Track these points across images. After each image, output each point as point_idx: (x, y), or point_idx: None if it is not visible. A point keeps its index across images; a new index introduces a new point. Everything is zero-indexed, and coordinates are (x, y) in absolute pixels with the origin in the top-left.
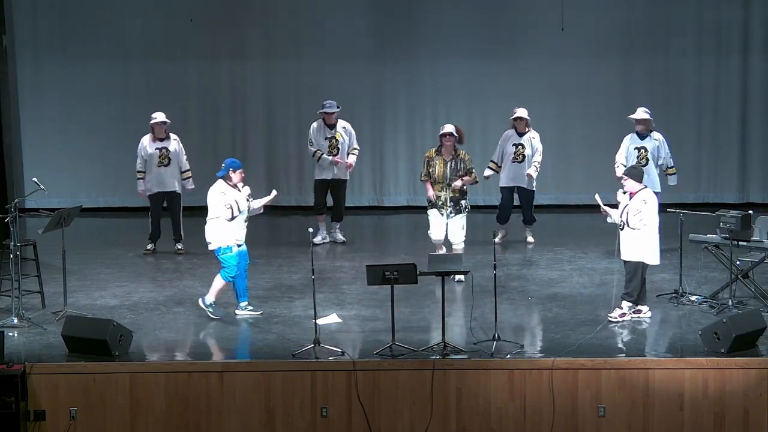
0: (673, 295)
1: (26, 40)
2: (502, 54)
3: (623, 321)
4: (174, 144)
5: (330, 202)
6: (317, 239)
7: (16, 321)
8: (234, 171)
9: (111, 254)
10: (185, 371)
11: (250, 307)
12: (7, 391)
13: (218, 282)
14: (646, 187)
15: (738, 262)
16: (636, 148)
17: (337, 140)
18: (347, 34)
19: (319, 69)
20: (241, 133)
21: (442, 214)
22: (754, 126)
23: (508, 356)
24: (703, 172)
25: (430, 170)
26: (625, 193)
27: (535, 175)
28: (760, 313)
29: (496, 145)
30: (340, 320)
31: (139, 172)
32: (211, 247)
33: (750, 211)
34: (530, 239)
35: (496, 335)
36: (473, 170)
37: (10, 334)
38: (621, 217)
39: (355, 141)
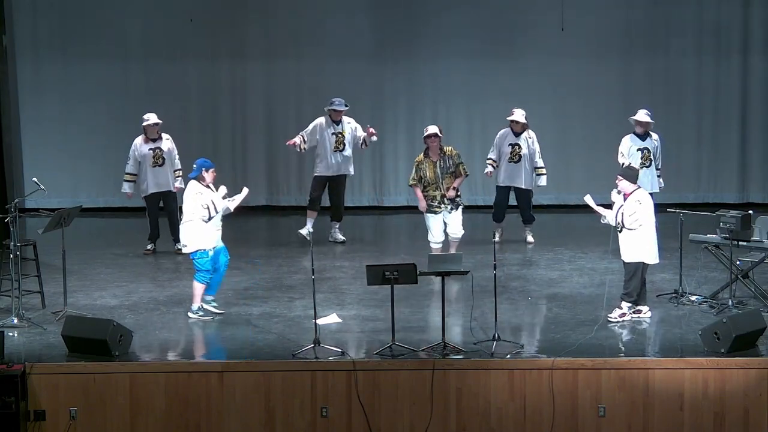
0: (673, 295)
1: (26, 40)
2: (502, 54)
3: (623, 321)
4: (167, 143)
5: (326, 201)
6: (303, 231)
7: (16, 321)
8: (207, 171)
9: (111, 254)
10: (185, 371)
11: (214, 304)
12: (7, 391)
13: (196, 287)
14: (639, 187)
15: (738, 262)
16: (639, 149)
17: (343, 135)
18: (347, 34)
19: (319, 69)
20: (241, 133)
21: (439, 214)
22: (754, 126)
23: (508, 356)
24: (703, 172)
25: (420, 174)
26: (619, 193)
27: (545, 182)
28: (760, 313)
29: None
30: (340, 320)
31: (127, 174)
32: (186, 250)
33: (750, 211)
34: (530, 239)
35: (496, 335)
36: (461, 164)
37: (10, 334)
38: (616, 218)
39: (360, 128)
